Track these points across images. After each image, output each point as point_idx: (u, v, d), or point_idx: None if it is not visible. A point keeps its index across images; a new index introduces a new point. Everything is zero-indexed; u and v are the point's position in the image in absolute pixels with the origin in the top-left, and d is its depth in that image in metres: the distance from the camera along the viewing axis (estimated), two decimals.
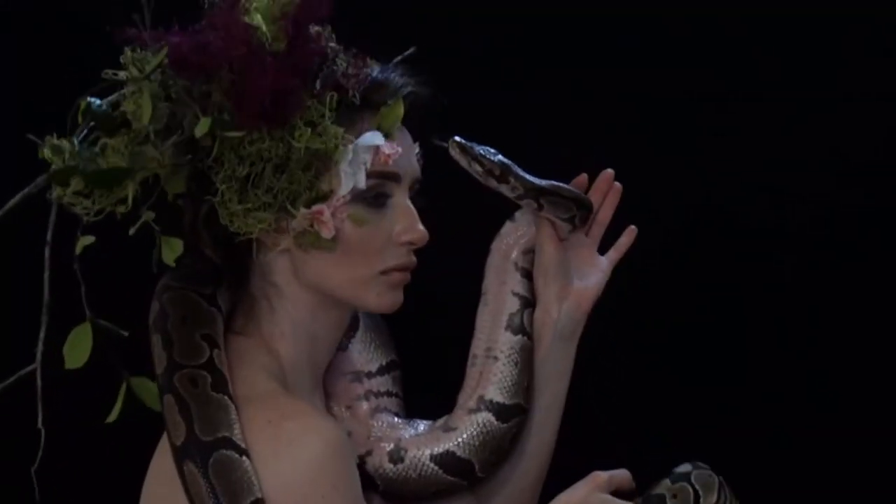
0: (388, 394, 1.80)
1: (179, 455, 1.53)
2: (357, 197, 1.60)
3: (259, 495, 1.49)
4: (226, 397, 1.55)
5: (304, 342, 1.65)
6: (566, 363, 1.79)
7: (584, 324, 1.80)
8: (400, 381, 1.83)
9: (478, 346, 1.78)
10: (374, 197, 1.61)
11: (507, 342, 1.75)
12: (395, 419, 1.77)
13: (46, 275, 1.58)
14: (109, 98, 1.58)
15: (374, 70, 1.63)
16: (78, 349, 1.58)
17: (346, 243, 1.60)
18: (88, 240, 1.56)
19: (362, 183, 1.59)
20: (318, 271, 1.62)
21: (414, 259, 1.65)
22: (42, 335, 1.59)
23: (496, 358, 1.75)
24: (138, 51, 1.57)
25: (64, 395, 1.65)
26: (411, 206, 1.64)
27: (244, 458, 1.51)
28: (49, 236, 1.57)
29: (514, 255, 1.79)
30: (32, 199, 1.58)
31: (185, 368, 1.57)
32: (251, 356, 1.63)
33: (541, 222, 1.77)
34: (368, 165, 1.59)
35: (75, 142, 1.55)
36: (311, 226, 1.59)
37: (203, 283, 1.64)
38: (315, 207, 1.58)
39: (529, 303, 1.78)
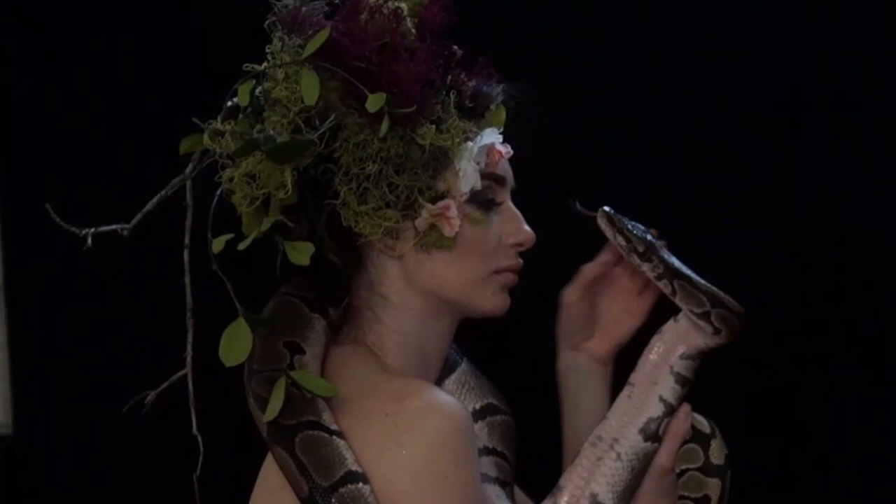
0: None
1: (269, 442, 1.56)
2: (471, 198, 1.61)
3: (354, 468, 1.50)
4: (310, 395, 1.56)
5: (413, 355, 1.64)
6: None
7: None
8: (500, 428, 1.76)
9: (606, 430, 1.70)
10: (485, 201, 1.63)
11: (634, 446, 1.68)
12: (487, 488, 1.67)
13: (187, 278, 1.58)
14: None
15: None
16: (235, 346, 1.56)
17: (464, 243, 1.62)
18: (226, 238, 1.55)
19: (479, 183, 1.61)
20: (435, 273, 1.62)
21: (521, 261, 1.67)
22: (190, 339, 1.58)
23: (619, 456, 1.67)
24: (285, 38, 1.58)
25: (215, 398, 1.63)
26: (516, 210, 1.66)
27: (335, 437, 1.52)
28: (187, 240, 1.57)
29: (673, 359, 1.72)
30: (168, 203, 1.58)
31: (262, 372, 1.58)
32: (356, 357, 1.63)
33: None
34: (482, 166, 1.61)
35: (238, 121, 1.57)
36: (433, 225, 1.60)
37: (310, 288, 1.65)
38: (441, 203, 1.59)
39: (672, 411, 1.71)
